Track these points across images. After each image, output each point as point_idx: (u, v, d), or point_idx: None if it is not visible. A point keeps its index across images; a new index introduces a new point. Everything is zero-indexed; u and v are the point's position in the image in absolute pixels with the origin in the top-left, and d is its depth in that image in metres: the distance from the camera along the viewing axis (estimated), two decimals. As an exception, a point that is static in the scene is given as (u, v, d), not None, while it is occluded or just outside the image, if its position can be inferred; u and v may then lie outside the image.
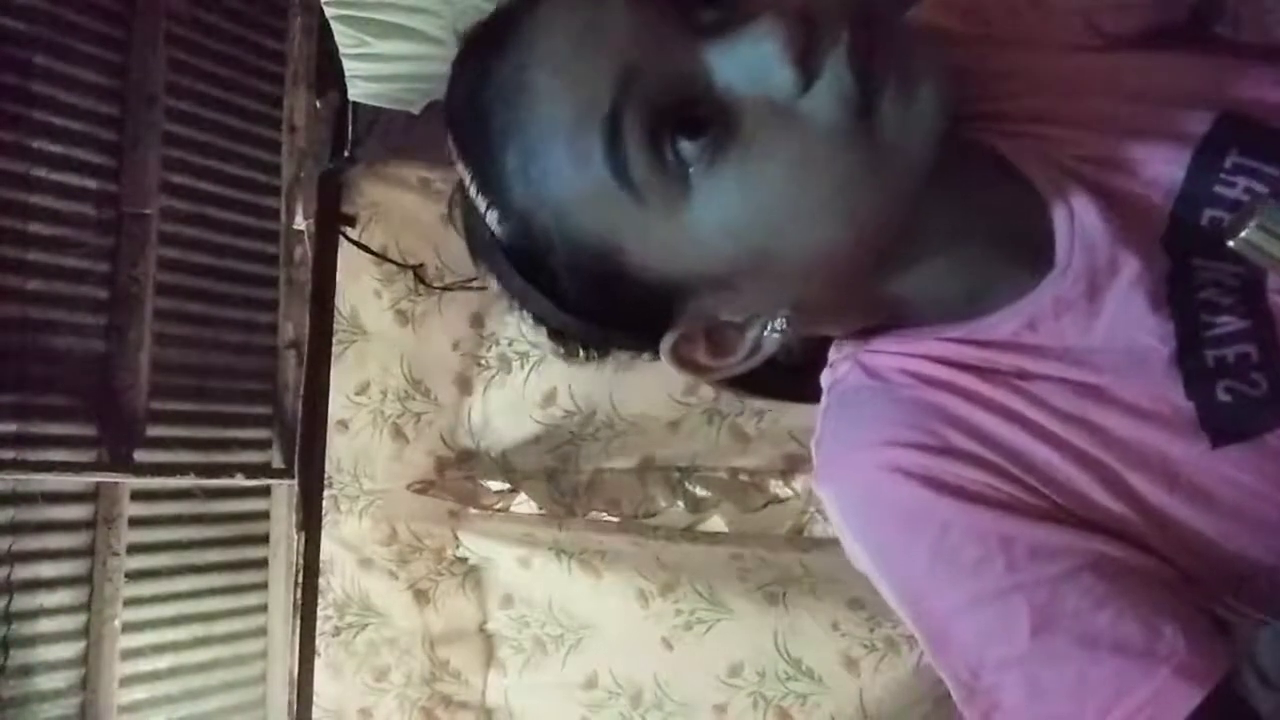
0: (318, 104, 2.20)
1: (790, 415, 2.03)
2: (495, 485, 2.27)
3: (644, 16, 0.49)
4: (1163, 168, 0.58)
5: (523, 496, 2.28)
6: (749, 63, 0.48)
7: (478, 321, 2.25)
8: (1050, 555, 0.55)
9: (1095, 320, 0.57)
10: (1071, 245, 0.57)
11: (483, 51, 0.53)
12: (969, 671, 0.57)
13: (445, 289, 2.23)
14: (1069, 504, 0.57)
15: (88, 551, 2.23)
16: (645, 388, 2.10)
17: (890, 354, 0.60)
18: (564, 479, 2.20)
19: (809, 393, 0.64)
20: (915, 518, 0.57)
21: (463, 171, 0.55)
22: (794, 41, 0.48)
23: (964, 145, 0.57)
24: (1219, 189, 0.56)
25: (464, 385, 2.29)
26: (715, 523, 2.29)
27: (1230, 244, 0.51)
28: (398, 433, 2.25)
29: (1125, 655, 0.54)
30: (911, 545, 0.58)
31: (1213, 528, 0.57)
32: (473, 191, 0.54)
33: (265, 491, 2.54)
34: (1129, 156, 0.58)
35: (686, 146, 0.49)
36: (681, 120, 0.49)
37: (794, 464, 2.14)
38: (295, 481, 2.14)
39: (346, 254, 2.16)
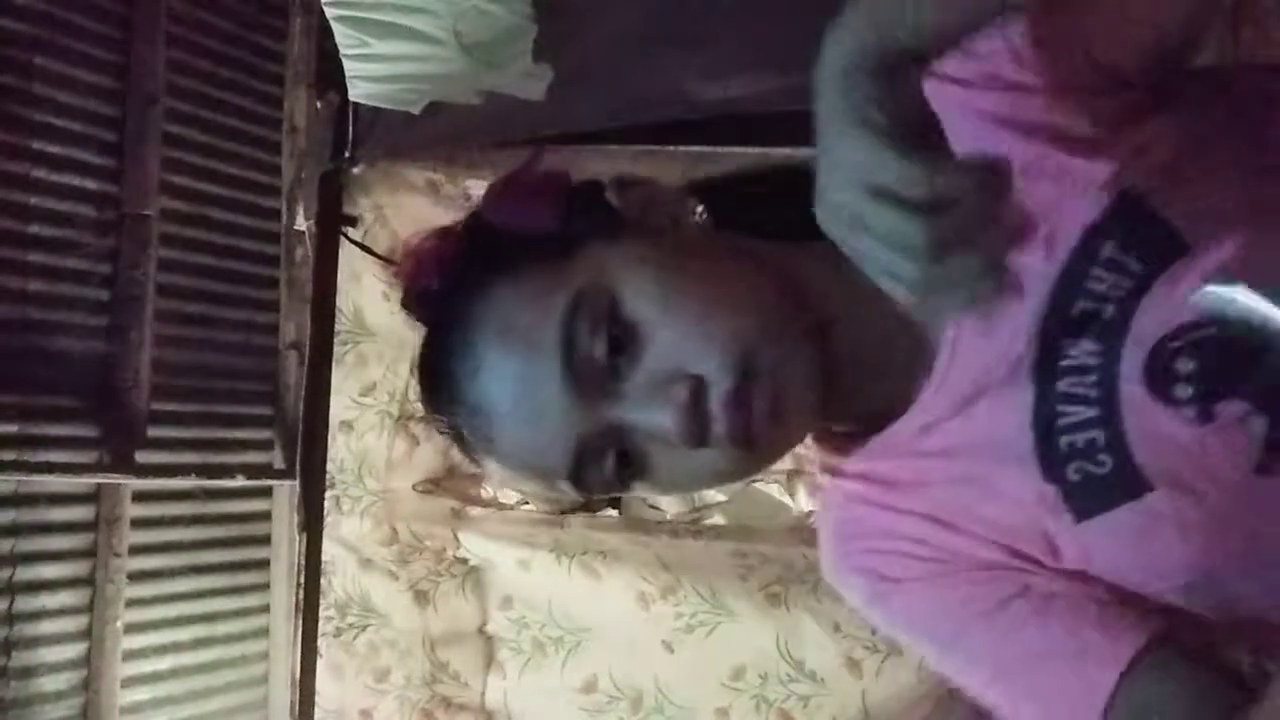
0: (318, 104, 2.20)
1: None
2: (503, 496, 2.27)
3: (576, 401, 0.64)
4: (1056, 250, 0.64)
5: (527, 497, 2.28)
6: (658, 436, 0.65)
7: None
8: (980, 598, 0.68)
9: (972, 422, 0.67)
10: (951, 359, 0.66)
11: (446, 400, 0.70)
12: (978, 695, 0.70)
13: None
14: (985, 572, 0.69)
15: (89, 553, 2.23)
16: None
17: (845, 478, 0.74)
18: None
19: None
20: (881, 600, 0.72)
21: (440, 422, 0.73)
22: (688, 434, 0.63)
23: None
24: (1089, 283, 0.63)
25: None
26: (717, 517, 2.30)
27: None
28: (406, 433, 2.24)
29: (1062, 658, 0.65)
30: (889, 619, 0.73)
31: (1108, 577, 0.66)
32: (464, 455, 0.73)
33: (267, 492, 2.53)
34: (1032, 236, 0.65)
35: (622, 473, 0.67)
36: (616, 457, 0.66)
37: (796, 472, 2.14)
38: (297, 482, 2.14)
39: (348, 254, 2.16)
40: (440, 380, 0.70)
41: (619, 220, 0.69)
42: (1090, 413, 0.63)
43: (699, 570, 2.16)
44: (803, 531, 2.26)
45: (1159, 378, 0.62)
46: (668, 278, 0.65)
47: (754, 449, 0.65)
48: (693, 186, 0.74)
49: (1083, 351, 0.63)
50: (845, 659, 2.08)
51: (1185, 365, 0.61)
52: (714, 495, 2.39)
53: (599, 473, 0.66)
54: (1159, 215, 0.61)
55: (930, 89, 0.67)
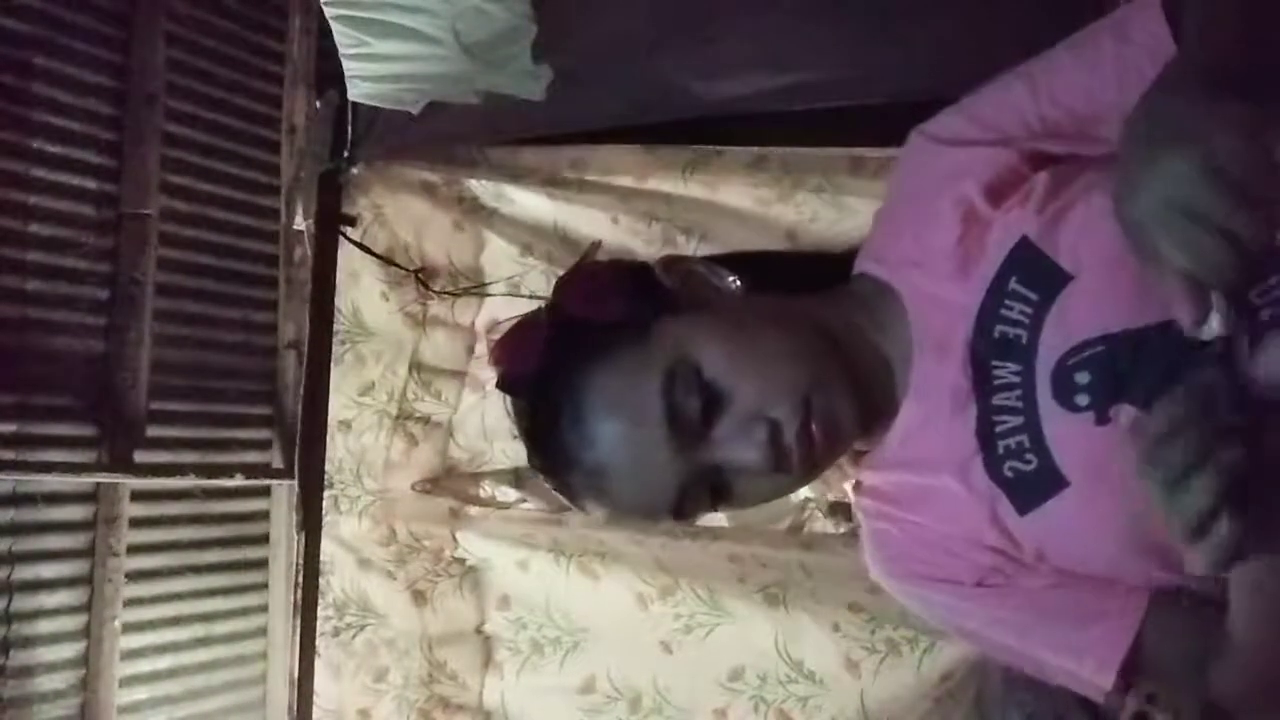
0: (318, 104, 2.19)
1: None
2: (501, 495, 2.27)
3: (679, 454, 0.78)
4: (983, 285, 0.79)
5: (526, 498, 2.28)
6: (746, 469, 0.79)
7: (492, 327, 2.23)
8: (991, 607, 0.82)
9: (936, 433, 0.80)
10: (918, 377, 0.81)
11: (563, 465, 0.83)
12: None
13: (454, 294, 2.21)
14: (983, 575, 0.82)
15: (88, 552, 2.23)
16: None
17: (865, 495, 0.88)
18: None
19: None
20: (913, 598, 0.88)
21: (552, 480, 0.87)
22: (772, 464, 0.78)
23: (887, 294, 0.84)
24: (1003, 311, 0.77)
25: (475, 386, 2.28)
26: (715, 516, 2.29)
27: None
28: (404, 433, 2.24)
29: (1066, 635, 0.80)
30: (928, 614, 0.89)
31: (1065, 563, 0.79)
32: (572, 503, 0.87)
33: (265, 492, 2.54)
34: (957, 280, 0.80)
35: (714, 502, 0.81)
36: (713, 496, 0.81)
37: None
38: (295, 482, 2.14)
39: (347, 254, 2.15)
40: (555, 450, 0.83)
41: (673, 296, 0.83)
42: (1017, 420, 0.77)
43: (697, 571, 2.16)
44: (800, 534, 2.26)
45: (1062, 389, 0.74)
46: (733, 343, 0.79)
47: (818, 468, 0.81)
48: (720, 259, 0.89)
49: (1008, 371, 0.77)
50: (844, 659, 2.08)
51: (1082, 378, 0.74)
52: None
53: (695, 505, 0.81)
54: (1045, 254, 0.75)
55: (930, 149, 0.83)
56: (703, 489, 0.80)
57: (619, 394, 0.79)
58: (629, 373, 0.79)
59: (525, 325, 0.86)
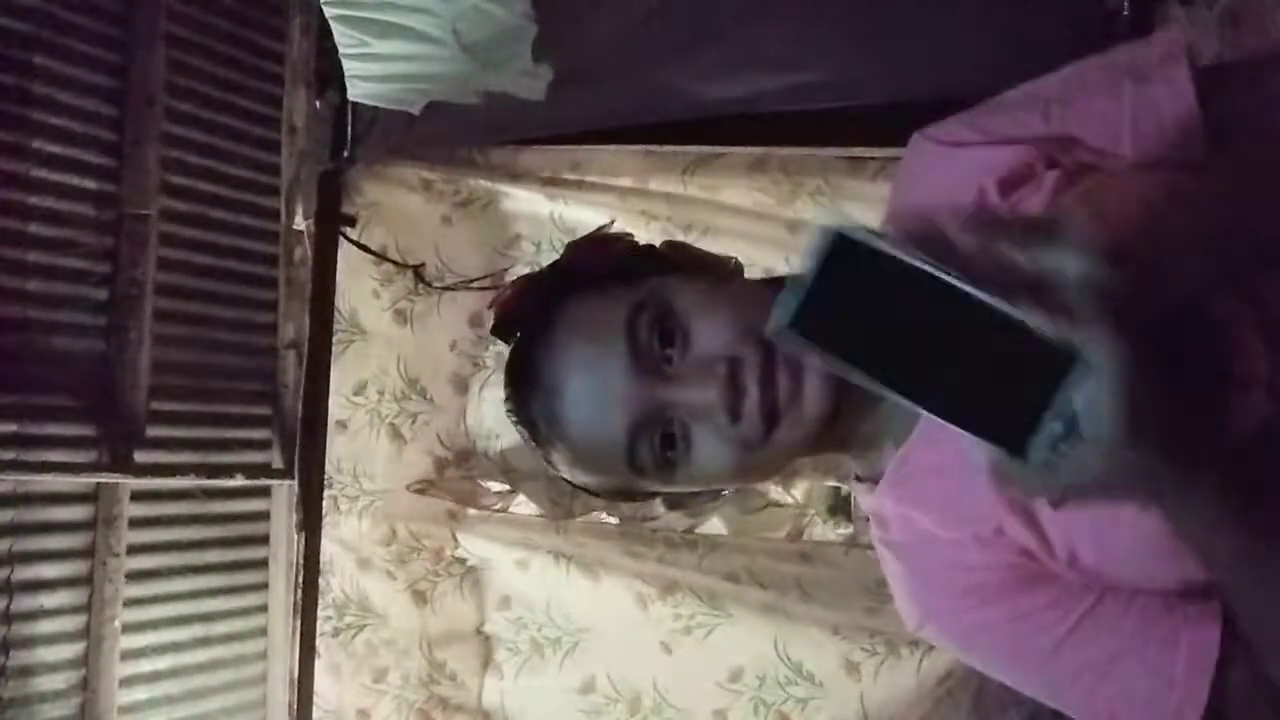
0: (318, 104, 2.20)
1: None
2: (494, 486, 2.26)
3: (636, 382, 0.78)
4: None
5: (522, 498, 2.28)
6: (702, 410, 0.77)
7: (476, 321, 2.24)
8: (1053, 619, 0.79)
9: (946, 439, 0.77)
10: None
11: (526, 389, 0.84)
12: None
13: (446, 289, 2.22)
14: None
15: (88, 552, 2.23)
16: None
17: (892, 534, 0.84)
18: (562, 480, 2.20)
19: None
20: (969, 638, 0.84)
21: (524, 432, 0.87)
22: (728, 403, 0.76)
23: None
24: None
25: (460, 385, 2.29)
26: (714, 525, 2.29)
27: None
28: (395, 433, 2.24)
29: (1142, 652, 0.76)
30: (983, 661, 0.86)
31: (1096, 563, 0.76)
32: (533, 444, 0.86)
33: (265, 492, 2.53)
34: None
35: (669, 453, 0.79)
36: (663, 437, 0.78)
37: (793, 470, 2.14)
38: (295, 482, 2.14)
39: (346, 254, 2.15)
40: (522, 371, 0.84)
41: (671, 263, 0.86)
42: None
43: (696, 574, 2.16)
44: (797, 547, 2.26)
45: None
46: (709, 290, 0.81)
47: (776, 425, 0.76)
48: None
49: None
50: (844, 661, 2.07)
51: None
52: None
53: (649, 450, 0.78)
54: None
55: (938, 153, 0.81)
56: (655, 431, 0.78)
57: (588, 317, 0.81)
58: (601, 301, 0.81)
59: (528, 277, 0.89)
